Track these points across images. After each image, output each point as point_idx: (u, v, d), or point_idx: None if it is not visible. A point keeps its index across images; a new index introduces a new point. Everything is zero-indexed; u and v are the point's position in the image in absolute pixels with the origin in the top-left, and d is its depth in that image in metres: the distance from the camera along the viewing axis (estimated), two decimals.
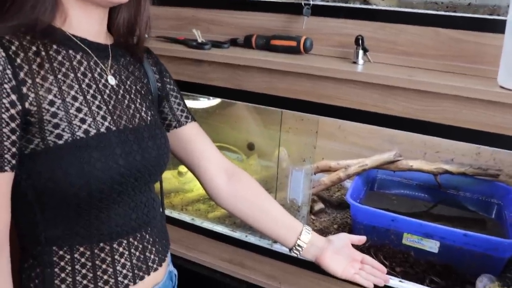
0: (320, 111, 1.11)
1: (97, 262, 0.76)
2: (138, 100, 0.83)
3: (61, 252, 0.74)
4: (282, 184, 1.38)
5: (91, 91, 0.74)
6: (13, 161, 0.66)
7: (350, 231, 1.46)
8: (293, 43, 1.16)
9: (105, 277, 0.77)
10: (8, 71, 0.64)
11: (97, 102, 0.74)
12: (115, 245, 0.77)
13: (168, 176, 1.66)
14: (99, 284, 0.76)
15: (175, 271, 0.98)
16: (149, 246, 0.84)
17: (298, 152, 1.34)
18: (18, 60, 0.66)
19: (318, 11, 1.16)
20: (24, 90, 0.66)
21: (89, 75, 0.75)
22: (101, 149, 0.71)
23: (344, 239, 0.97)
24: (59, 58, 0.71)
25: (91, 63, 0.76)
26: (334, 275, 0.95)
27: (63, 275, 0.74)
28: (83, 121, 0.71)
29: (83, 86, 0.73)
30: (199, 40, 1.23)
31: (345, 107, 1.06)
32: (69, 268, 0.74)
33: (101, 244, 0.76)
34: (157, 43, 1.29)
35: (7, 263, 0.70)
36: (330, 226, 1.51)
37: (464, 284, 1.23)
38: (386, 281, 0.95)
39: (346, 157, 1.63)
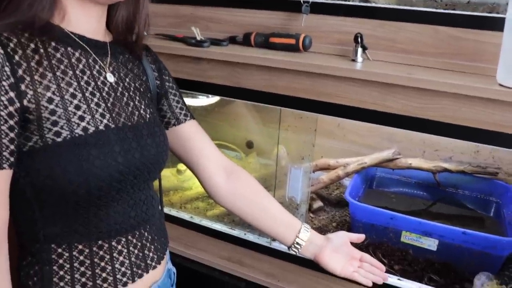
0: (319, 109, 1.11)
1: (95, 260, 0.76)
2: (137, 98, 0.83)
3: (59, 250, 0.74)
4: (281, 182, 1.38)
5: (90, 89, 0.74)
6: (12, 159, 0.66)
7: (349, 229, 1.46)
8: (292, 41, 1.15)
9: (104, 275, 0.77)
10: (6, 68, 0.64)
11: (95, 100, 0.74)
12: (113, 243, 0.77)
13: (167, 174, 1.66)
14: (98, 282, 0.76)
15: (174, 269, 0.98)
16: (148, 244, 0.83)
17: (297, 150, 1.34)
18: (17, 57, 0.65)
19: (317, 8, 1.16)
20: (23, 87, 0.65)
21: (88, 72, 0.75)
22: (99, 147, 0.71)
23: (343, 237, 0.98)
24: (58, 55, 0.71)
25: (90, 60, 0.76)
26: (333, 273, 0.95)
27: (61, 272, 0.74)
28: (81, 118, 0.71)
29: (82, 83, 0.73)
30: (198, 38, 1.23)
31: (344, 105, 1.06)
32: (68, 265, 0.74)
33: (100, 242, 0.76)
34: (156, 40, 1.29)
35: (5, 260, 0.70)
36: (329, 224, 1.51)
37: (462, 282, 1.23)
38: (385, 279, 0.96)
39: (345, 155, 1.63)
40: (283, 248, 1.27)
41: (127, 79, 0.83)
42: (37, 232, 0.74)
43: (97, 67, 0.77)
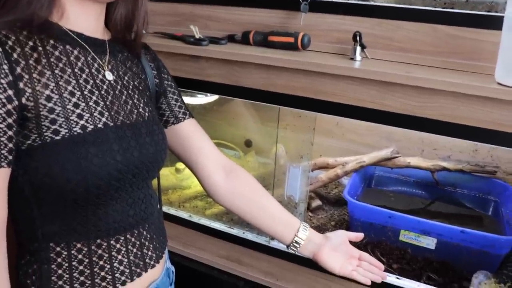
0: (317, 108, 1.11)
1: (94, 258, 0.76)
2: (136, 96, 0.83)
3: (58, 249, 0.74)
4: (279, 181, 1.38)
5: (89, 87, 0.74)
6: (10, 157, 0.66)
7: (348, 228, 1.46)
8: (291, 39, 1.15)
9: (102, 273, 0.76)
10: (5, 66, 0.64)
11: (94, 98, 0.74)
12: (112, 242, 0.77)
13: (166, 173, 1.66)
14: (96, 280, 0.76)
15: (173, 268, 0.98)
16: (147, 243, 0.83)
17: (295, 149, 1.34)
18: (15, 55, 0.65)
19: (316, 7, 1.16)
20: (21, 85, 0.65)
21: (87, 70, 0.75)
22: (98, 145, 0.71)
23: (342, 236, 0.98)
24: (56, 53, 0.71)
25: (89, 58, 0.76)
26: (332, 272, 0.95)
27: (60, 271, 0.74)
28: (80, 116, 0.71)
29: (81, 81, 0.73)
30: (197, 36, 1.23)
31: (343, 103, 1.06)
32: (66, 264, 0.74)
33: (98, 241, 0.76)
34: (155, 39, 1.28)
35: (4, 259, 0.70)
36: (328, 223, 1.51)
37: (461, 281, 1.24)
38: (383, 278, 0.96)
39: (344, 154, 1.63)
40: (282, 247, 1.27)
41: (126, 77, 0.83)
42: (36, 231, 0.73)
43: (95, 65, 0.77)
